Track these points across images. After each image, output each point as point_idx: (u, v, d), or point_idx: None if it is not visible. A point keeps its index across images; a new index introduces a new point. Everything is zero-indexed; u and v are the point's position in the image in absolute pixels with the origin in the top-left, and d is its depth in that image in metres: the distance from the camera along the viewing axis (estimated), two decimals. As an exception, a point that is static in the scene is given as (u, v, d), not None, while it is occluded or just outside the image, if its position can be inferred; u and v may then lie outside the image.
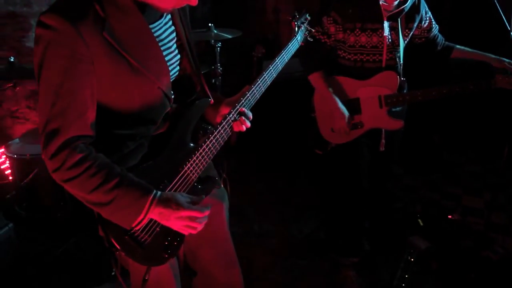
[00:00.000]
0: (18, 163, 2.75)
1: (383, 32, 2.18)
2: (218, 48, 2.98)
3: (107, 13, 1.12)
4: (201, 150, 1.38)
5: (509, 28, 1.81)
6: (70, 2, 1.11)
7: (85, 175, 1.15)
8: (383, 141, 2.39)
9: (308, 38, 1.84)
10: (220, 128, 1.41)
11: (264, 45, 3.84)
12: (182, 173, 1.36)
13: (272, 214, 3.09)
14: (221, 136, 1.42)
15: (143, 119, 1.31)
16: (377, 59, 2.25)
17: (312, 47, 2.21)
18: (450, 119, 4.09)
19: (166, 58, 1.31)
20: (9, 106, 3.48)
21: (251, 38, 4.00)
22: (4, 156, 2.91)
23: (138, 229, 1.28)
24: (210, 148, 1.40)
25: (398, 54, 2.27)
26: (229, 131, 1.44)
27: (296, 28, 1.73)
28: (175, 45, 1.37)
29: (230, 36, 2.96)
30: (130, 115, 1.27)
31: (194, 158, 1.38)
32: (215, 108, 1.50)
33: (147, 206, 1.21)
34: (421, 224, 2.82)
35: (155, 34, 1.27)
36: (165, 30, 1.33)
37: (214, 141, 1.41)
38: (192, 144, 1.43)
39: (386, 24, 2.19)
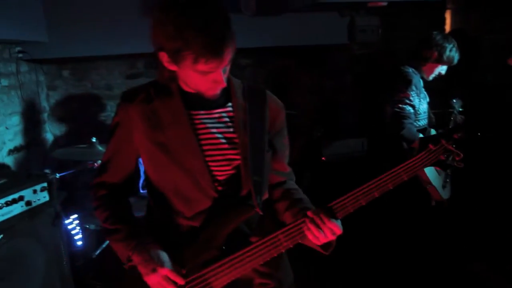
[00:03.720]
0: (91, 234, 2.93)
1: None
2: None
3: (156, 95, 1.37)
4: (231, 257, 1.27)
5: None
6: (135, 88, 1.43)
7: (105, 206, 1.43)
8: None
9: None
10: (269, 238, 1.25)
11: (322, 124, 3.95)
12: (200, 274, 1.30)
13: None
14: (266, 250, 1.25)
15: (179, 200, 1.37)
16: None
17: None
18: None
19: (207, 148, 1.33)
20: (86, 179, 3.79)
21: (308, 117, 4.15)
22: (76, 225, 3.10)
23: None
24: (244, 259, 1.26)
25: None
26: (281, 248, 1.25)
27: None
28: (226, 140, 1.36)
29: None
30: (166, 193, 1.39)
31: (220, 264, 1.28)
32: (295, 215, 1.37)
33: (132, 246, 1.33)
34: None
35: (200, 121, 1.35)
36: (217, 121, 1.36)
37: (254, 253, 1.25)
38: (224, 248, 1.31)
39: None
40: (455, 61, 2.68)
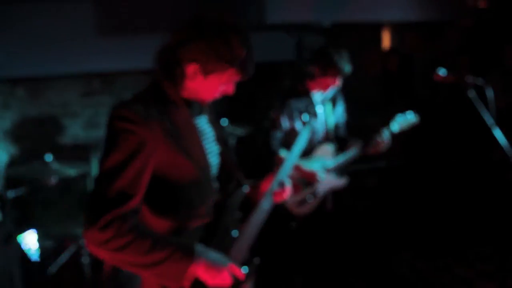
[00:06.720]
0: (47, 251, 2.92)
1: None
2: (233, 143, 3.27)
3: (165, 108, 1.38)
4: (243, 235, 1.53)
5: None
6: (139, 100, 1.36)
7: (141, 237, 1.26)
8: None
9: None
10: (256, 211, 1.57)
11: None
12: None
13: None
14: (259, 217, 1.58)
15: (191, 204, 1.43)
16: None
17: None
18: (457, 199, 4.20)
19: (207, 147, 1.50)
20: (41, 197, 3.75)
21: (263, 133, 4.32)
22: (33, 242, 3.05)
23: None
24: (249, 231, 1.55)
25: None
26: (265, 212, 1.60)
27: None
28: (214, 140, 1.57)
29: (242, 132, 3.28)
30: (181, 197, 1.41)
31: (239, 243, 1.51)
32: (256, 190, 1.67)
33: (196, 254, 1.30)
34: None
35: (198, 127, 1.50)
36: (206, 125, 1.56)
37: (252, 224, 1.56)
38: (234, 231, 1.54)
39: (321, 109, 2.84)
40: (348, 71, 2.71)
